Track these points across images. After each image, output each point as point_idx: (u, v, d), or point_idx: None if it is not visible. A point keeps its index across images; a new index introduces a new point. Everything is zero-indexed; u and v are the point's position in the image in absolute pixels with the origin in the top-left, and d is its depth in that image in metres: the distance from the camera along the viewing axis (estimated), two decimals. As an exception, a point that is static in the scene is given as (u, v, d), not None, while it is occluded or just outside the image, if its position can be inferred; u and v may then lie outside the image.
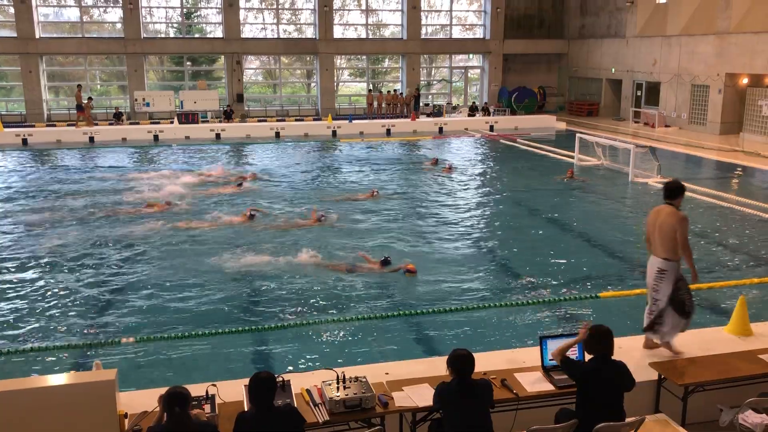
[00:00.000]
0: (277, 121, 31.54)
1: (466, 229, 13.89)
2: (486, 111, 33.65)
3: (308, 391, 5.61)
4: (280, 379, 5.53)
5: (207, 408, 5.26)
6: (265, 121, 31.55)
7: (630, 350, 6.71)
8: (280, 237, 13.17)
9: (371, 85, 36.68)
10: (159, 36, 33.29)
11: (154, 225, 13.89)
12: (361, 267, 11.16)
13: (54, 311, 9.57)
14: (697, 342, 7.26)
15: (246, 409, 5.07)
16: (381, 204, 16.05)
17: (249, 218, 14.23)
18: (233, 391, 5.56)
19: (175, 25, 34.07)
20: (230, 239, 13.01)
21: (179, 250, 12.32)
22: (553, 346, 5.92)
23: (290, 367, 7.63)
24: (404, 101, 33.96)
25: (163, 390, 4.88)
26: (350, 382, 5.51)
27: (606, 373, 5.27)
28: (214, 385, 5.54)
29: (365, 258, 11.41)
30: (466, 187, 18.43)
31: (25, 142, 26.38)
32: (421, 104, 34.44)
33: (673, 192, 6.75)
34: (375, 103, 33.84)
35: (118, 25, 32.55)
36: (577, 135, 22.21)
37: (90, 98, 29.27)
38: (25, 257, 12.04)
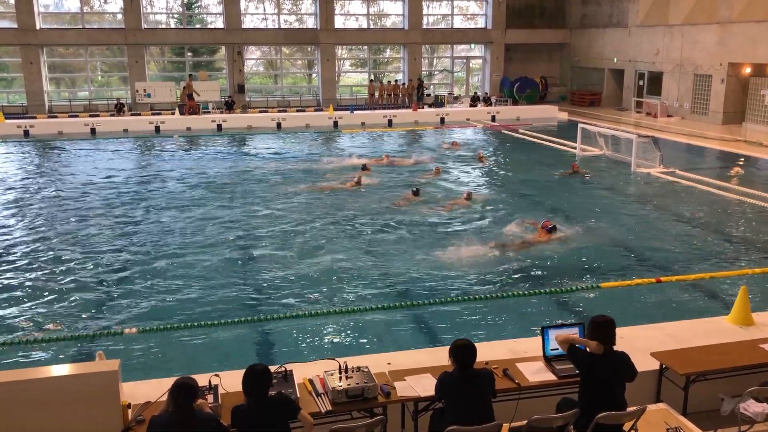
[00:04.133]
0: (279, 111, 31.44)
1: (465, 219, 13.88)
2: (488, 101, 33.55)
3: (311, 380, 5.64)
4: (282, 369, 5.55)
5: (210, 398, 5.27)
6: (267, 111, 31.46)
7: (632, 340, 6.72)
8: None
9: (372, 76, 36.57)
10: (160, 27, 33.16)
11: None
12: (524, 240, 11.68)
13: (57, 301, 9.59)
14: (698, 331, 7.29)
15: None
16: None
17: (466, 199, 15.06)
18: (236, 382, 5.55)
19: (175, 16, 33.94)
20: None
21: (182, 233, 12.36)
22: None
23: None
24: (405, 92, 33.87)
25: (166, 380, 4.90)
26: (352, 371, 5.53)
27: (608, 363, 5.28)
28: (217, 375, 5.56)
29: (529, 223, 12.01)
30: (467, 176, 18.42)
31: (26, 133, 26.30)
32: (423, 95, 34.34)
33: None
34: (376, 94, 33.74)
35: (119, 16, 32.44)
36: (579, 125, 22.13)
37: (184, 88, 29.71)
38: (39, 246, 12.09)
